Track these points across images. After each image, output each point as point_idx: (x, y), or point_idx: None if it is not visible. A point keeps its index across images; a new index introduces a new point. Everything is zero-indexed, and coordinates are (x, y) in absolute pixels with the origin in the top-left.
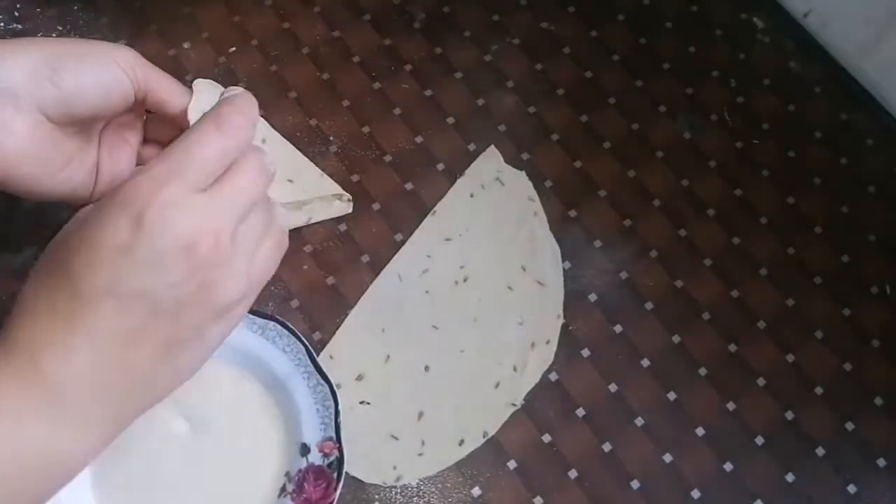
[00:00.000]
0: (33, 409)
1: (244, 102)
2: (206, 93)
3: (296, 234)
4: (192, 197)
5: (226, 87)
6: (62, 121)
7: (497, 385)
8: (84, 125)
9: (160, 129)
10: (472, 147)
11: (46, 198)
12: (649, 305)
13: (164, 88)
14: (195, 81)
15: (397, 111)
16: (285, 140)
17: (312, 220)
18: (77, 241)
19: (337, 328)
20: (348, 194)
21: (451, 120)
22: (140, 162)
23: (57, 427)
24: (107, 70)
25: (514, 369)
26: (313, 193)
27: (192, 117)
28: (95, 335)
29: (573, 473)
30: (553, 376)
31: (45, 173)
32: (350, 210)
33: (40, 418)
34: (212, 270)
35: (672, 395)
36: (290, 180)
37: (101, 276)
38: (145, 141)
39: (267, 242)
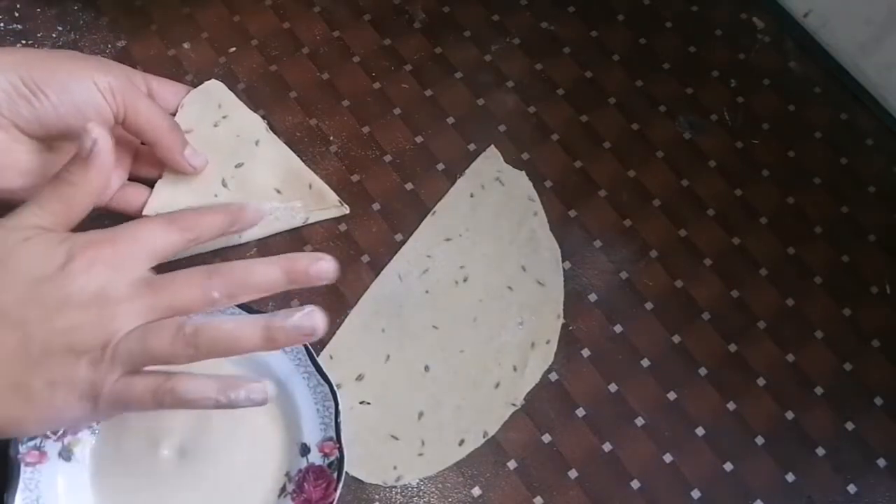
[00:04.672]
0: None
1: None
2: (192, 109)
3: (295, 233)
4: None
5: (227, 87)
6: (41, 137)
7: (497, 385)
8: (69, 139)
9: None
10: (472, 147)
11: None
12: (649, 305)
13: (142, 114)
14: (182, 102)
15: (397, 111)
16: (281, 144)
17: (310, 221)
18: (2, 254)
19: (337, 328)
20: (339, 203)
21: (451, 120)
22: (133, 174)
23: None
24: (86, 95)
25: (514, 369)
26: (301, 207)
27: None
28: None
29: (573, 473)
30: (553, 376)
31: (28, 183)
32: (347, 211)
33: None
34: (94, 341)
35: (672, 395)
36: (277, 190)
37: (4, 294)
38: (139, 155)
39: (147, 382)
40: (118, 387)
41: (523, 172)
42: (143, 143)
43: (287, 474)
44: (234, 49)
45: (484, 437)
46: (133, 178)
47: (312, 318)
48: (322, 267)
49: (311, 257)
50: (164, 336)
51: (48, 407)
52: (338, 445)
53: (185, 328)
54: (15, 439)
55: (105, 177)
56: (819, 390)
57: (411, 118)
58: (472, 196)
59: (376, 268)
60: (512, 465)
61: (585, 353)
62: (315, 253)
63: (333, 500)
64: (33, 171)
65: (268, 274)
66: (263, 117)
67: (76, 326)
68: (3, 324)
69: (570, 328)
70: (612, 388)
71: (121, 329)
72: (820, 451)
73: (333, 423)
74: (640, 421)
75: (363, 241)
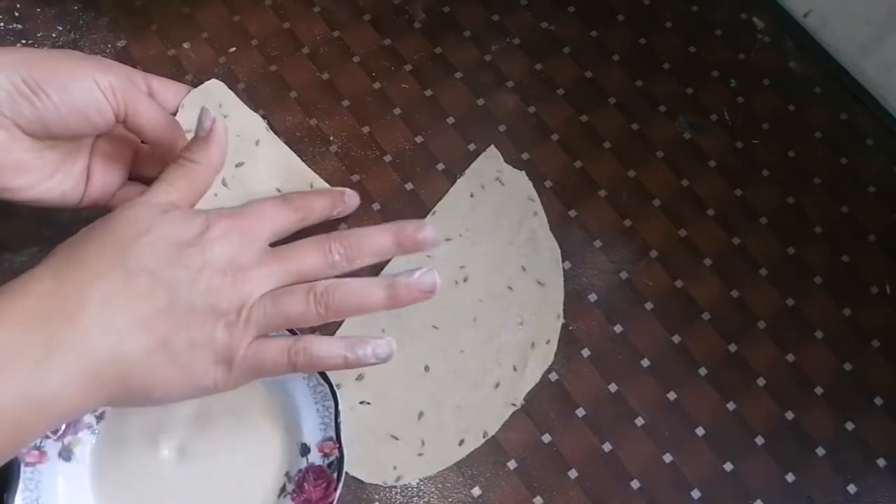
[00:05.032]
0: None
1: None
2: (193, 109)
3: (296, 233)
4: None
5: (227, 87)
6: (42, 136)
7: (497, 385)
8: (70, 138)
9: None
10: (472, 147)
11: (35, 204)
12: (649, 305)
13: (142, 113)
14: (182, 102)
15: (397, 111)
16: (281, 144)
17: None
18: (147, 223)
19: (337, 328)
20: None
21: (451, 120)
22: (134, 171)
23: (43, 373)
24: (87, 95)
25: (514, 369)
26: None
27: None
28: (110, 303)
29: (573, 473)
30: (553, 376)
31: (29, 182)
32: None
33: (28, 361)
34: (230, 304)
35: (672, 395)
36: (278, 190)
37: (151, 257)
38: (140, 154)
39: (280, 343)
40: (252, 350)
41: (523, 172)
42: (143, 143)
43: (287, 474)
44: (234, 49)
45: (484, 437)
46: (134, 178)
47: (432, 275)
48: (428, 234)
49: (416, 224)
50: (297, 297)
51: (189, 369)
52: (338, 445)
53: (317, 288)
54: None
55: (224, 153)
56: (819, 390)
57: (411, 118)
58: (472, 196)
59: (376, 268)
60: (512, 465)
61: (585, 353)
62: (418, 221)
63: (333, 500)
64: (34, 170)
65: (381, 240)
66: (263, 117)
67: (215, 289)
68: (152, 283)
69: (570, 328)
70: (612, 388)
71: (254, 293)
72: (820, 451)
73: (333, 423)
74: (640, 421)
75: None
